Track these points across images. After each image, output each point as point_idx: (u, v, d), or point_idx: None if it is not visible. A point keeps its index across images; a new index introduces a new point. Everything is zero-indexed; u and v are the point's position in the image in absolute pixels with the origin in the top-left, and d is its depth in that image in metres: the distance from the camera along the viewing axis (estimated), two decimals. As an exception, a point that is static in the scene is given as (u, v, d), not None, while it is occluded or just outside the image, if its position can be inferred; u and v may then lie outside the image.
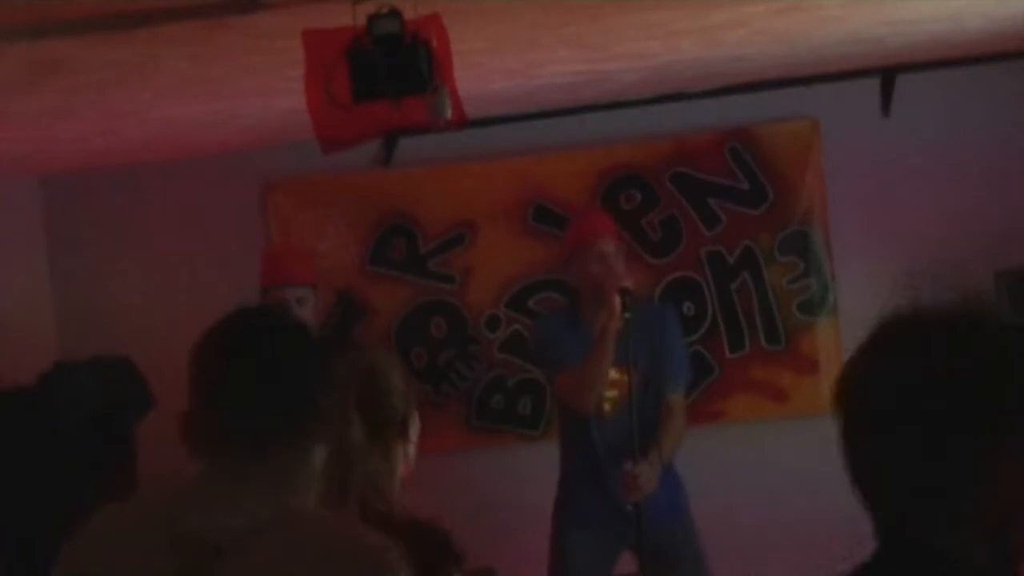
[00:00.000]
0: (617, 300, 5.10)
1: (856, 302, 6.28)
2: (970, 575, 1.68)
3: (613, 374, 5.18)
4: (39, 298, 6.53)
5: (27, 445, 5.56)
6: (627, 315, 5.07)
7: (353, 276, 6.44)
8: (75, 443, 5.62)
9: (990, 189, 6.30)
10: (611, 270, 5.22)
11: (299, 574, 2.23)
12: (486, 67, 4.54)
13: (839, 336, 6.32)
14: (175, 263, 6.54)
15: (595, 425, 5.26)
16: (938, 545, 1.69)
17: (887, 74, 6.21)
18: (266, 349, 2.37)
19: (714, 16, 4.09)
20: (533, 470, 5.95)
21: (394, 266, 6.48)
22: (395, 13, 3.09)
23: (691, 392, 6.00)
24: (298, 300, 5.31)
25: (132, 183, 6.55)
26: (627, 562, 5.38)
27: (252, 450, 2.32)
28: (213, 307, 2.23)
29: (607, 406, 5.27)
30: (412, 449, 3.10)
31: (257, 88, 4.43)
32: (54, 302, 6.59)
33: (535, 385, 6.40)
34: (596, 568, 5.40)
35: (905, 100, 6.27)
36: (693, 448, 5.49)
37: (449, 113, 3.29)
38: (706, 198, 6.39)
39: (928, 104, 6.32)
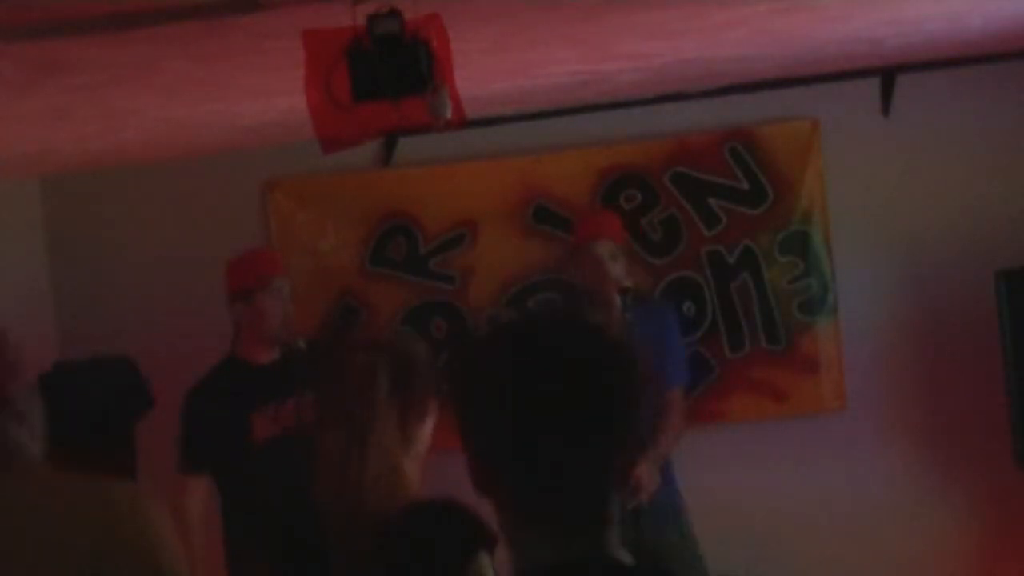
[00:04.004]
0: (618, 300, 5.12)
1: (856, 302, 6.28)
2: None
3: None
4: (39, 298, 6.52)
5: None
6: (627, 315, 5.08)
7: (353, 276, 6.43)
8: (75, 443, 5.61)
9: (990, 189, 6.29)
10: (606, 273, 5.27)
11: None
12: (486, 67, 4.54)
13: (839, 336, 6.31)
14: (175, 263, 6.53)
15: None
16: None
17: (887, 74, 6.21)
18: None
19: (714, 16, 4.08)
20: (533, 470, 5.93)
21: (394, 266, 6.48)
22: (395, 13, 3.09)
23: (691, 392, 6.00)
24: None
25: (132, 183, 6.55)
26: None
27: None
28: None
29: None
30: (427, 431, 3.19)
31: (257, 88, 4.42)
32: (54, 302, 6.58)
33: (535, 385, 6.38)
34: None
35: (905, 100, 6.27)
36: (693, 448, 5.48)
37: (449, 113, 3.30)
38: (706, 198, 6.39)
39: (928, 104, 6.31)
